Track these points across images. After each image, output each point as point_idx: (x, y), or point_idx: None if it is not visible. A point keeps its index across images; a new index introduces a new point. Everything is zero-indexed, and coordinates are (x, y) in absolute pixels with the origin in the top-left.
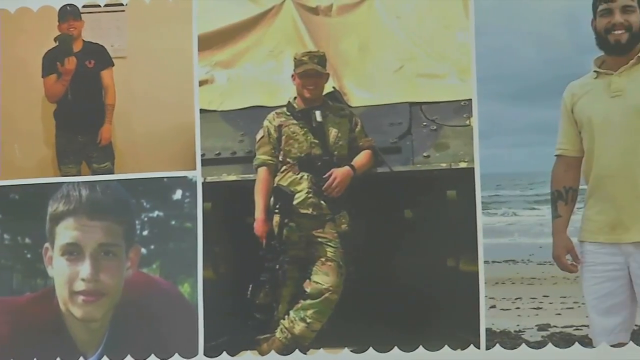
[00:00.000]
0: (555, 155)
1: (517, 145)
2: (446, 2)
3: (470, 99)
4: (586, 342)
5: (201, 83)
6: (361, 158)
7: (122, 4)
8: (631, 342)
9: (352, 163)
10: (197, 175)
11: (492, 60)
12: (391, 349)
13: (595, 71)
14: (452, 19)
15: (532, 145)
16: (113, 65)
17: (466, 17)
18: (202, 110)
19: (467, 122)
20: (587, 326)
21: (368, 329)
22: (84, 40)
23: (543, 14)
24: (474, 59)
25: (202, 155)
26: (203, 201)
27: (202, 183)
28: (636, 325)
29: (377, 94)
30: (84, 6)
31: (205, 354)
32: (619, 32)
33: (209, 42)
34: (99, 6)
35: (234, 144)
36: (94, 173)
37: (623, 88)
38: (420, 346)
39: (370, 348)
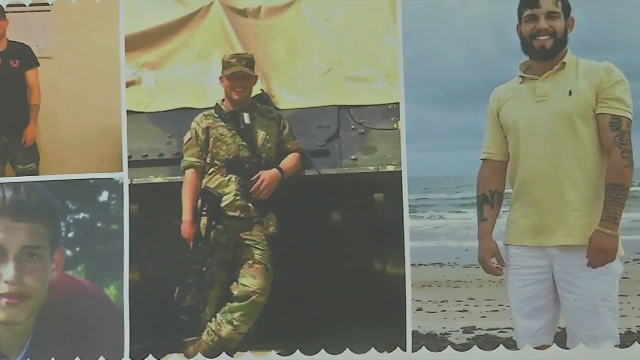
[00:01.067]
0: (481, 159)
1: (444, 149)
2: (374, 6)
3: (398, 103)
4: (510, 344)
5: (128, 84)
6: (289, 161)
7: (47, 4)
8: (554, 344)
9: (280, 166)
10: (123, 177)
11: (419, 64)
12: (318, 351)
13: (520, 76)
14: (380, 22)
15: (458, 149)
16: (38, 65)
17: (394, 21)
18: (129, 112)
19: (395, 125)
20: (512, 328)
21: (295, 331)
22: (8, 40)
23: (470, 19)
24: (402, 62)
25: (129, 156)
26: (129, 203)
27: (129, 185)
28: (559, 328)
29: (305, 97)
30: (8, 5)
31: (131, 357)
32: (544, 37)
33: (136, 43)
34: (24, 5)
35: (162, 145)
36: (19, 174)
37: (547, 93)
38: (347, 349)
39: (297, 351)
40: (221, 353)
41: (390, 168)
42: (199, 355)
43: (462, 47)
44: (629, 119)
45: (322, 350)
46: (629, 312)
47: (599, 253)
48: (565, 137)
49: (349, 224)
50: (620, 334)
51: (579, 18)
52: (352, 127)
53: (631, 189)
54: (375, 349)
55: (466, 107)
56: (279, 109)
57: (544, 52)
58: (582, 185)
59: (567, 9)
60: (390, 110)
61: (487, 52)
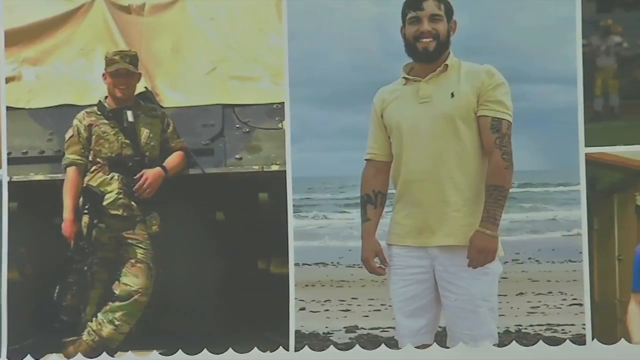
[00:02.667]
0: (365, 159)
1: (329, 149)
2: (260, 5)
3: (283, 102)
4: (392, 343)
5: (8, 80)
6: (173, 159)
7: None
8: (435, 343)
9: (163, 164)
10: (2, 174)
11: (304, 64)
12: (200, 351)
13: (404, 77)
14: (265, 22)
15: (342, 150)
16: None
17: (279, 20)
18: (8, 108)
19: (280, 125)
20: (394, 328)
21: (177, 331)
22: None
23: (354, 21)
24: (287, 62)
25: (8, 153)
26: (9, 201)
27: (8, 182)
28: (440, 327)
29: (190, 95)
30: None
31: (8, 358)
32: (427, 40)
33: (17, 38)
34: None
35: (42, 142)
36: None
37: (430, 95)
38: (230, 348)
39: (180, 351)
40: (102, 353)
41: (274, 168)
42: (79, 355)
43: (346, 48)
44: (509, 121)
45: (205, 350)
46: (508, 311)
47: (479, 253)
48: (447, 139)
49: (233, 223)
50: (498, 333)
51: (461, 21)
52: (237, 126)
53: (511, 190)
54: (258, 348)
55: (350, 107)
56: (163, 107)
57: (427, 54)
58: (463, 187)
59: (449, 12)
60: (275, 110)
61: (371, 54)
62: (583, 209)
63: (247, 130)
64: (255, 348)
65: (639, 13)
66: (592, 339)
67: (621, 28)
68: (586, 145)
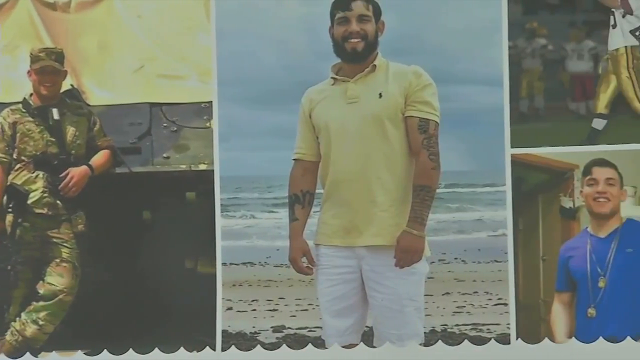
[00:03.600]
0: (293, 159)
1: (257, 149)
2: (188, 4)
3: (211, 102)
4: (319, 343)
5: None
6: (99, 158)
7: None
8: (362, 343)
9: (89, 162)
10: None
11: (233, 63)
12: (126, 351)
13: (332, 78)
14: (193, 20)
15: (271, 149)
16: None
17: (208, 19)
18: None
19: (208, 124)
20: (321, 327)
21: (103, 331)
22: None
23: (283, 21)
24: (215, 61)
25: None
26: None
27: None
28: (367, 327)
29: (117, 94)
30: None
31: None
32: (355, 40)
33: None
34: None
35: None
36: None
37: (358, 95)
38: (156, 348)
39: (105, 350)
40: (25, 353)
41: (202, 167)
42: (2, 355)
43: (275, 47)
44: (436, 122)
45: (131, 349)
46: (434, 311)
47: (406, 253)
48: (375, 139)
49: (160, 222)
50: (425, 332)
51: (389, 22)
52: (165, 124)
53: (438, 190)
54: (185, 348)
55: (279, 107)
56: (89, 105)
57: (355, 54)
58: (390, 187)
59: (377, 13)
60: (203, 109)
61: (300, 54)
62: (508, 210)
63: (175, 129)
64: (182, 348)
65: (563, 16)
66: (517, 339)
67: (546, 30)
68: (512, 147)
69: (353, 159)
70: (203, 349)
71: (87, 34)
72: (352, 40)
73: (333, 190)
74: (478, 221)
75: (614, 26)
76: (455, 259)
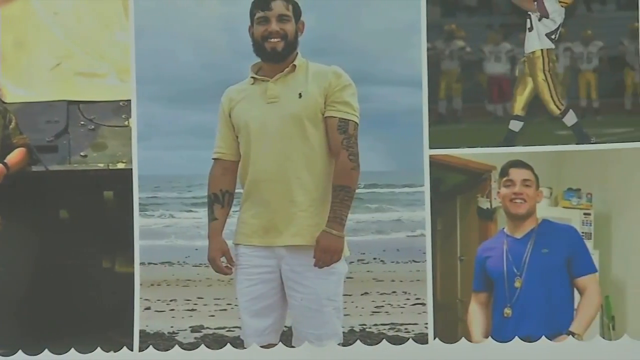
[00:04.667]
0: (213, 158)
1: (176, 148)
2: (106, 1)
3: (130, 100)
4: (238, 343)
5: None
6: (15, 156)
7: None
8: (280, 343)
9: (5, 161)
10: None
11: (151, 62)
12: (42, 351)
13: (252, 77)
14: (111, 18)
15: (190, 148)
16: None
17: (126, 17)
18: None
19: (126, 122)
20: (239, 327)
21: (18, 331)
22: None
23: (203, 19)
24: (134, 59)
25: None
26: None
27: None
28: (286, 327)
29: (34, 91)
30: None
31: None
32: (275, 40)
33: None
34: None
35: None
36: None
37: (278, 95)
38: (72, 348)
39: (20, 351)
40: None
41: (120, 166)
42: None
43: (194, 46)
44: (356, 122)
45: (46, 350)
46: (353, 311)
47: (325, 253)
48: (294, 139)
49: (77, 221)
50: (343, 332)
51: (309, 22)
52: (82, 123)
53: (357, 191)
54: (102, 348)
55: (198, 106)
56: (5, 103)
57: (275, 54)
58: (310, 187)
59: (297, 13)
60: (122, 107)
61: (219, 53)
62: (427, 210)
63: (93, 127)
64: (99, 348)
65: (481, 18)
66: (434, 338)
67: (464, 33)
68: (430, 147)
69: (272, 159)
70: (120, 349)
71: (2, 31)
72: (272, 40)
73: (252, 190)
74: (397, 221)
75: (531, 29)
76: (374, 259)
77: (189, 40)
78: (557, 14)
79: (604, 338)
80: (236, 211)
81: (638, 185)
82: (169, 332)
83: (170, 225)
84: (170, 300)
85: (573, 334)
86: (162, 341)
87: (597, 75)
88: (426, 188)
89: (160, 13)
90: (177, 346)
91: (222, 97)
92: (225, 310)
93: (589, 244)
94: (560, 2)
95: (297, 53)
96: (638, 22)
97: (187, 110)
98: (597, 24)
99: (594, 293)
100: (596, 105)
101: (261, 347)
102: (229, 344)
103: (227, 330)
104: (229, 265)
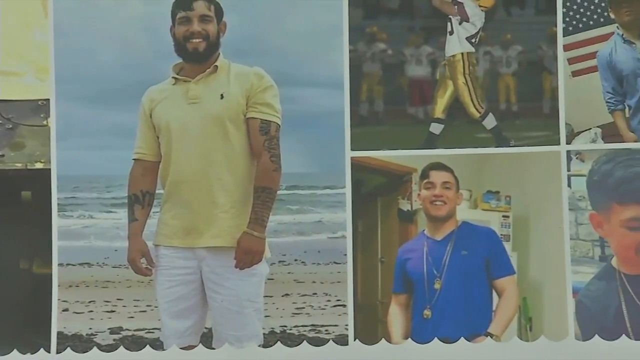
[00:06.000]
0: (133, 159)
1: (96, 148)
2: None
3: (48, 99)
4: (157, 344)
5: None
6: None
7: None
8: (200, 344)
9: None
10: None
11: (71, 61)
12: None
13: (173, 77)
14: (30, 16)
15: (110, 148)
16: None
17: (45, 15)
18: None
19: (45, 122)
20: (159, 329)
21: None
22: None
23: (123, 18)
24: (53, 58)
25: None
26: None
27: None
28: (206, 328)
29: None
30: None
31: None
32: (197, 40)
33: None
34: None
35: None
36: None
37: (200, 95)
38: None
39: None
40: None
41: (39, 165)
42: None
43: (115, 45)
44: (278, 124)
45: None
46: (273, 312)
47: (246, 255)
48: (216, 140)
49: None
50: (264, 334)
51: (231, 23)
52: (0, 122)
53: (278, 192)
54: (18, 350)
55: (119, 106)
56: None
57: (196, 54)
58: (231, 188)
59: (219, 13)
60: (40, 107)
61: (140, 52)
62: (348, 212)
63: (10, 126)
64: (15, 350)
65: (403, 21)
66: (354, 340)
67: (386, 35)
68: (352, 149)
69: (194, 160)
70: (37, 351)
71: None
72: (194, 40)
73: (173, 190)
74: (318, 223)
75: (451, 33)
76: (295, 260)
77: (110, 39)
78: (477, 17)
79: (521, 339)
80: (157, 212)
81: (556, 188)
82: (87, 334)
83: (89, 226)
84: (89, 302)
85: (491, 335)
86: (80, 343)
87: (516, 79)
88: (347, 190)
89: (80, 12)
90: (95, 348)
91: (143, 97)
92: (144, 311)
93: (508, 246)
94: (480, 6)
95: (219, 54)
96: (556, 26)
97: (107, 110)
98: (516, 29)
99: (512, 295)
100: (515, 109)
101: (181, 348)
102: (148, 346)
103: (147, 332)
104: (149, 267)
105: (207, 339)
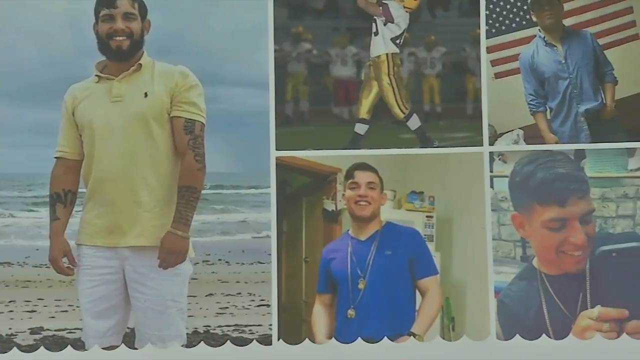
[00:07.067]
0: (55, 157)
1: (17, 146)
2: None
3: None
4: (79, 345)
5: None
6: None
7: None
8: (123, 344)
9: None
10: None
11: None
12: None
13: (97, 75)
14: None
15: (32, 147)
16: None
17: None
18: None
19: None
20: (81, 329)
21: None
22: None
23: (46, 15)
24: None
25: None
26: None
27: None
28: (128, 328)
29: None
30: None
31: None
32: (121, 38)
33: None
34: None
35: None
36: None
37: (123, 94)
38: None
39: None
40: None
41: None
42: None
43: (37, 42)
44: (202, 123)
45: None
46: (197, 312)
47: (170, 254)
48: (140, 139)
49: None
50: (187, 333)
51: (156, 21)
52: None
53: (203, 192)
54: None
55: (40, 104)
56: None
57: (120, 52)
58: (155, 187)
59: (143, 11)
60: None
61: (63, 50)
62: (273, 212)
63: None
64: None
65: (327, 21)
66: (278, 339)
67: (311, 35)
68: (277, 149)
69: (117, 159)
70: None
71: None
72: (117, 38)
73: (96, 189)
74: (242, 223)
75: (376, 33)
76: (219, 260)
77: (31, 35)
78: (401, 19)
79: (444, 339)
80: (79, 211)
81: (478, 189)
82: (7, 334)
83: (10, 224)
84: (9, 302)
85: (414, 335)
86: (0, 343)
87: (440, 81)
88: (272, 190)
89: (1, 8)
90: (15, 348)
91: (66, 95)
92: (66, 311)
93: (431, 246)
94: (405, 7)
95: (143, 52)
96: (479, 28)
97: (29, 108)
98: (441, 30)
99: (435, 294)
100: (439, 110)
101: (103, 348)
102: (69, 346)
103: (68, 332)
104: (71, 266)
105: (129, 339)
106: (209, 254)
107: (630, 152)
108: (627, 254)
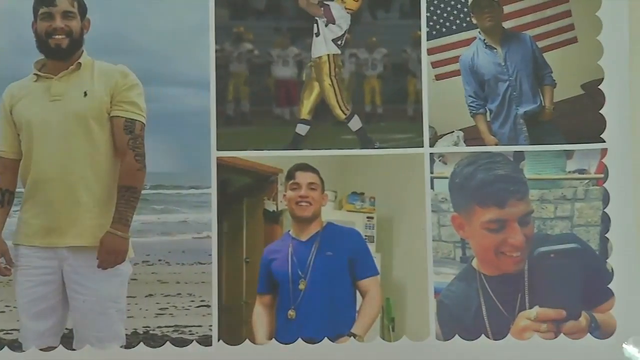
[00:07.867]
0: None
1: None
2: None
3: None
4: (16, 346)
5: None
6: None
7: None
8: (61, 345)
9: None
10: None
11: None
12: None
13: (35, 74)
14: None
15: None
16: None
17: None
18: None
19: None
20: (18, 330)
21: None
22: None
23: None
24: None
25: None
26: None
27: None
28: (66, 329)
29: None
30: None
31: None
32: (60, 37)
33: None
34: None
35: None
36: None
37: (62, 93)
38: None
39: None
40: None
41: None
42: None
43: None
44: (143, 122)
45: None
46: (136, 313)
47: (109, 254)
48: (79, 138)
49: None
50: (126, 334)
51: (96, 20)
52: None
53: (143, 192)
54: None
55: None
56: None
57: (59, 51)
58: (95, 187)
59: (83, 10)
60: None
61: (1, 48)
62: (213, 212)
63: None
64: None
65: (269, 22)
66: (218, 340)
67: (252, 36)
68: (218, 149)
69: (56, 158)
70: None
71: None
72: (56, 36)
73: (35, 189)
74: (183, 223)
75: (318, 34)
76: (159, 260)
77: None
78: (343, 20)
79: (384, 339)
80: (17, 211)
81: (418, 190)
82: None
83: None
84: None
85: (354, 336)
86: None
87: (381, 82)
88: (213, 190)
89: None
90: None
91: (3, 93)
92: (3, 312)
93: (372, 247)
94: (346, 8)
95: (82, 51)
96: (420, 30)
97: None
98: (382, 32)
99: (375, 295)
100: (380, 111)
101: (40, 349)
102: (6, 347)
103: (5, 333)
104: (8, 266)
105: (67, 340)
106: (149, 254)
107: (569, 154)
108: (564, 255)
